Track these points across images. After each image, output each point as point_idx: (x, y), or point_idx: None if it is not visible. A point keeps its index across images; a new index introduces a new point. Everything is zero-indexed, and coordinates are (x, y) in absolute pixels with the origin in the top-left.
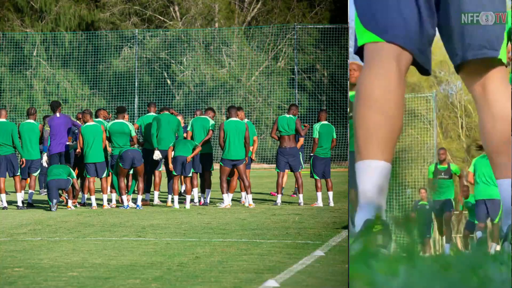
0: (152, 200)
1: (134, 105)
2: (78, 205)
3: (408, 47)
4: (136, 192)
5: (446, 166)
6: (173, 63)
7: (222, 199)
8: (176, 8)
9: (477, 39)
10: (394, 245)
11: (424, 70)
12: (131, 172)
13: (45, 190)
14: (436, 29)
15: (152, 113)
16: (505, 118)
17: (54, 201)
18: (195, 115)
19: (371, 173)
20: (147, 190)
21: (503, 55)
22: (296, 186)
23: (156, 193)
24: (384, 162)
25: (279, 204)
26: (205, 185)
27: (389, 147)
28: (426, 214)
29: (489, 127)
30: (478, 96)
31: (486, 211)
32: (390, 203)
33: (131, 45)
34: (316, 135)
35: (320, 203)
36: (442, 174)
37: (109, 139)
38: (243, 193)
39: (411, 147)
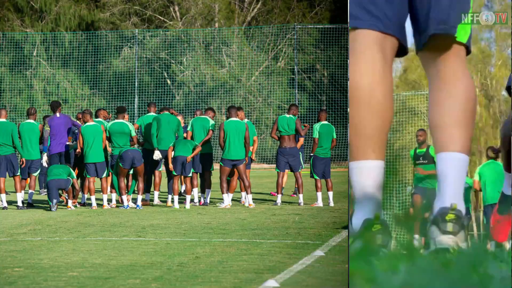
0: (152, 200)
1: (134, 105)
2: (78, 205)
3: (390, 31)
4: (136, 192)
5: (424, 149)
6: (173, 63)
7: (222, 199)
8: (176, 8)
9: (439, 14)
10: (394, 242)
11: (403, 49)
12: (131, 172)
13: (45, 190)
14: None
15: (152, 113)
16: (454, 96)
17: (54, 201)
18: (195, 115)
19: (366, 174)
20: (147, 190)
21: (461, 36)
22: (296, 186)
23: (156, 193)
24: (378, 161)
25: (279, 204)
26: (205, 185)
27: (380, 144)
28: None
29: (438, 101)
30: (431, 71)
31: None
32: (390, 200)
33: (131, 45)
34: (316, 135)
35: (320, 203)
36: (421, 159)
37: (109, 139)
38: (243, 193)
39: (411, 145)
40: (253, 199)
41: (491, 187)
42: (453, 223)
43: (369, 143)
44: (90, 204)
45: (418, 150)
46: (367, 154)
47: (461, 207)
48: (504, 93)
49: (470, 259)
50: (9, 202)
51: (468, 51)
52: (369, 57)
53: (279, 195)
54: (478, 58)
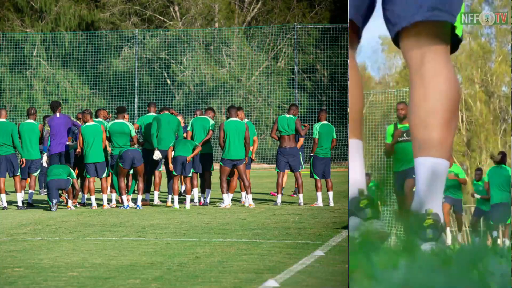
0: (152, 200)
1: (134, 105)
2: (78, 205)
3: (355, 19)
4: (136, 192)
5: (407, 125)
6: (173, 63)
7: (222, 199)
8: (176, 8)
9: (429, 0)
10: (394, 238)
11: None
12: (131, 172)
13: (45, 190)
14: None
15: (152, 113)
16: (438, 91)
17: (54, 201)
18: (195, 115)
19: (353, 152)
20: (147, 190)
21: (458, 28)
22: (296, 186)
23: (156, 193)
24: (355, 140)
25: (279, 204)
26: (205, 185)
27: (357, 125)
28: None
29: (418, 100)
30: (414, 67)
31: (502, 213)
32: (390, 197)
33: (131, 45)
34: (316, 135)
35: (320, 203)
36: (405, 135)
37: (109, 139)
38: (243, 193)
39: None
40: (253, 199)
41: (497, 189)
42: (432, 229)
43: (351, 124)
44: (90, 204)
45: (399, 125)
46: (352, 134)
47: (438, 210)
48: (505, 89)
49: (470, 256)
50: (9, 202)
51: (456, 47)
52: (350, 54)
53: (279, 195)
54: (479, 54)
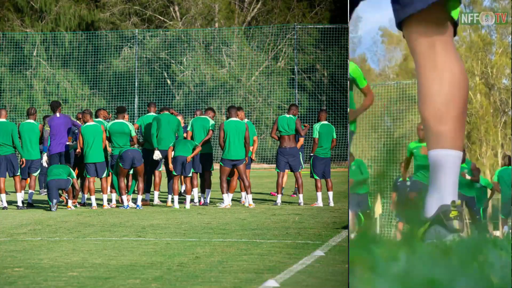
0: (152, 200)
1: (134, 105)
2: (78, 205)
3: None
4: (136, 192)
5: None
6: (173, 63)
7: (222, 199)
8: (176, 8)
9: None
10: (394, 231)
11: None
12: (131, 172)
13: (45, 190)
14: None
15: (152, 113)
16: (452, 81)
17: (54, 201)
18: (195, 115)
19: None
20: (147, 190)
21: (454, 12)
22: (296, 186)
23: (156, 193)
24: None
25: (279, 204)
26: (205, 185)
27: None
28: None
29: (434, 89)
30: (422, 55)
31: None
32: (391, 189)
33: (131, 45)
34: (316, 135)
35: (320, 203)
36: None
37: (109, 139)
38: (243, 193)
39: (411, 133)
40: (253, 199)
41: (508, 188)
42: (458, 220)
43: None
44: (90, 204)
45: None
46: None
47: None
48: (505, 81)
49: (470, 247)
50: (9, 202)
51: (456, 32)
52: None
53: (279, 195)
54: (479, 46)
